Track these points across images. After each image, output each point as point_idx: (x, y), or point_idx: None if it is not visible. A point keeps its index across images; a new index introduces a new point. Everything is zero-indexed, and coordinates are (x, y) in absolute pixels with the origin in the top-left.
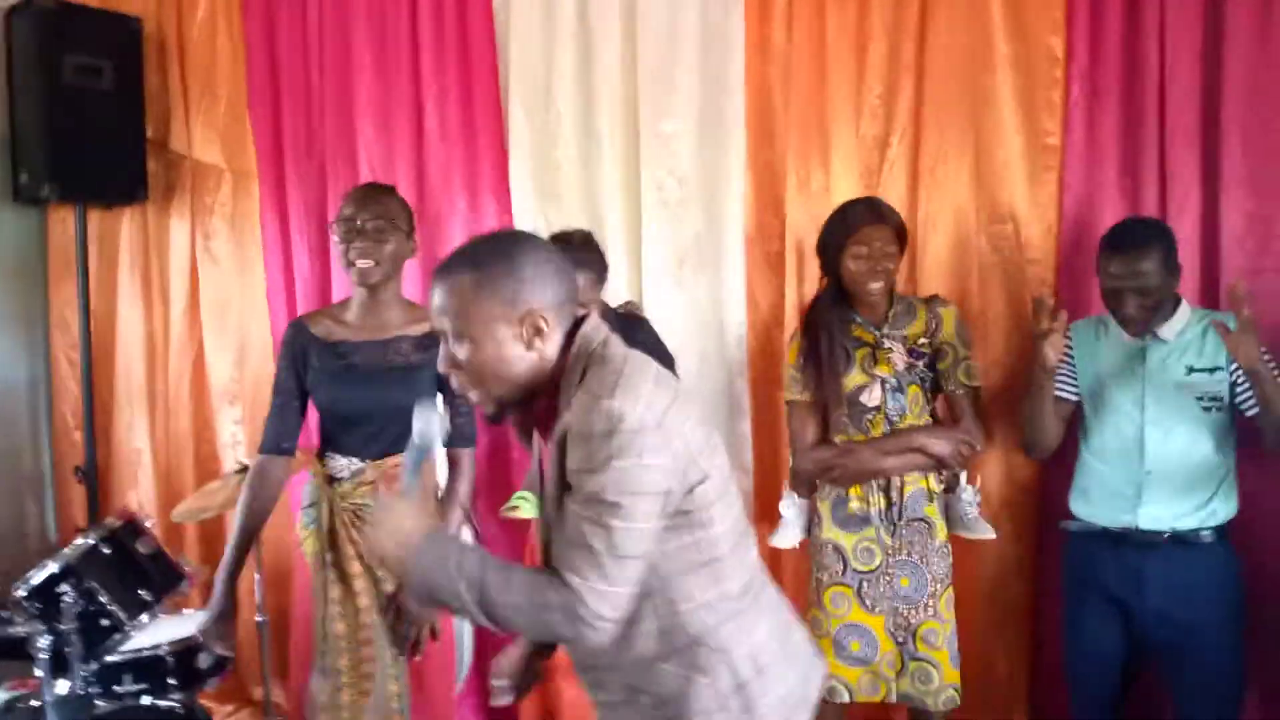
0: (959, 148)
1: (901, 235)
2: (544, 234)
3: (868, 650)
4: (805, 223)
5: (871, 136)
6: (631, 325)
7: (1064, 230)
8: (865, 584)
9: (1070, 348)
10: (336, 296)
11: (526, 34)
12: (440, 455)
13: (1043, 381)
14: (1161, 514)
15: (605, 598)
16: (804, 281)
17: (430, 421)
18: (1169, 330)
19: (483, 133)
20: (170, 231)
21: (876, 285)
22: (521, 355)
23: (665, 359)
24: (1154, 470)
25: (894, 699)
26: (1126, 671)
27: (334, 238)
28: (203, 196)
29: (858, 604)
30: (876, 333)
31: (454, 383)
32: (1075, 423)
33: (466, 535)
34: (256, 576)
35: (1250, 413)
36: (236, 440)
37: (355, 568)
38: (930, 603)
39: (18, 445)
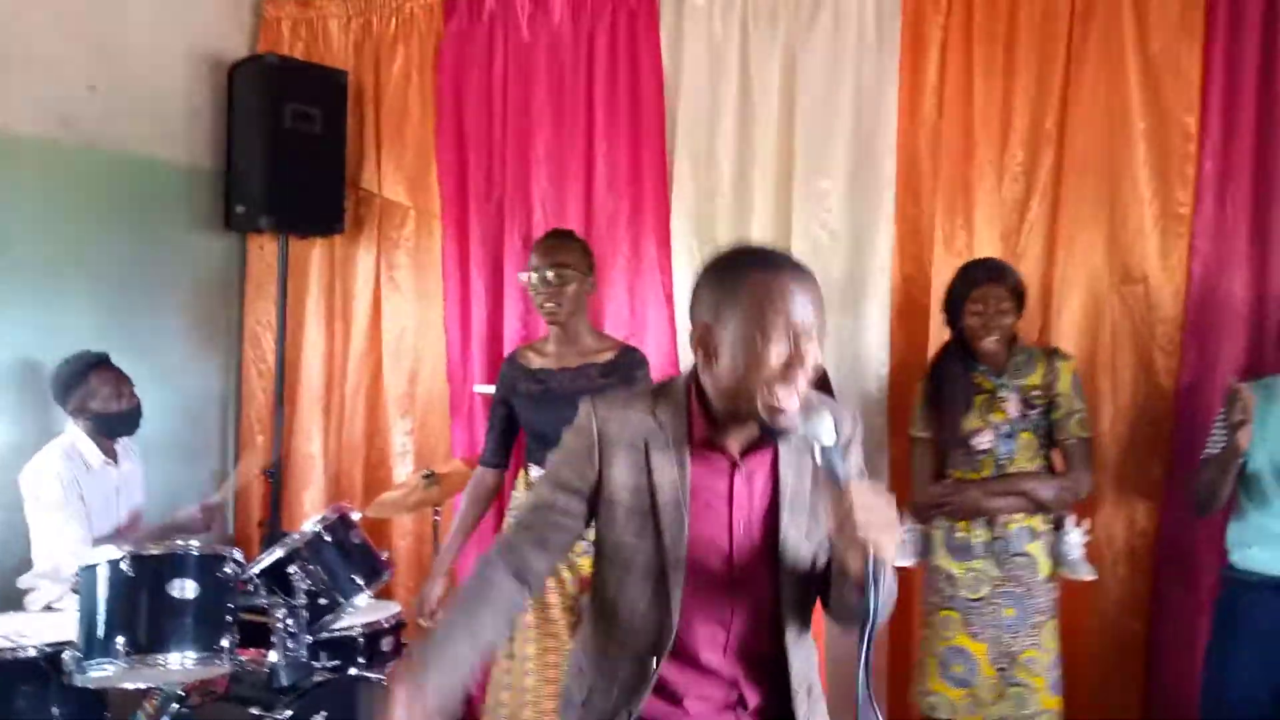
0: (1095, 212)
1: (1019, 293)
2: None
3: (969, 675)
4: (949, 276)
5: (1012, 199)
6: None
7: (1191, 293)
8: (972, 612)
9: None
10: (508, 325)
11: (693, 94)
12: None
13: (1232, 461)
14: None
15: None
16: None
17: (814, 421)
18: None
19: (648, 182)
20: (357, 261)
21: (990, 339)
22: None
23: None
24: None
25: None
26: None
27: (525, 285)
28: (389, 231)
29: (964, 631)
30: (995, 381)
31: (803, 383)
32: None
33: None
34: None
35: None
36: (406, 449)
37: None
38: (1033, 633)
39: (208, 444)
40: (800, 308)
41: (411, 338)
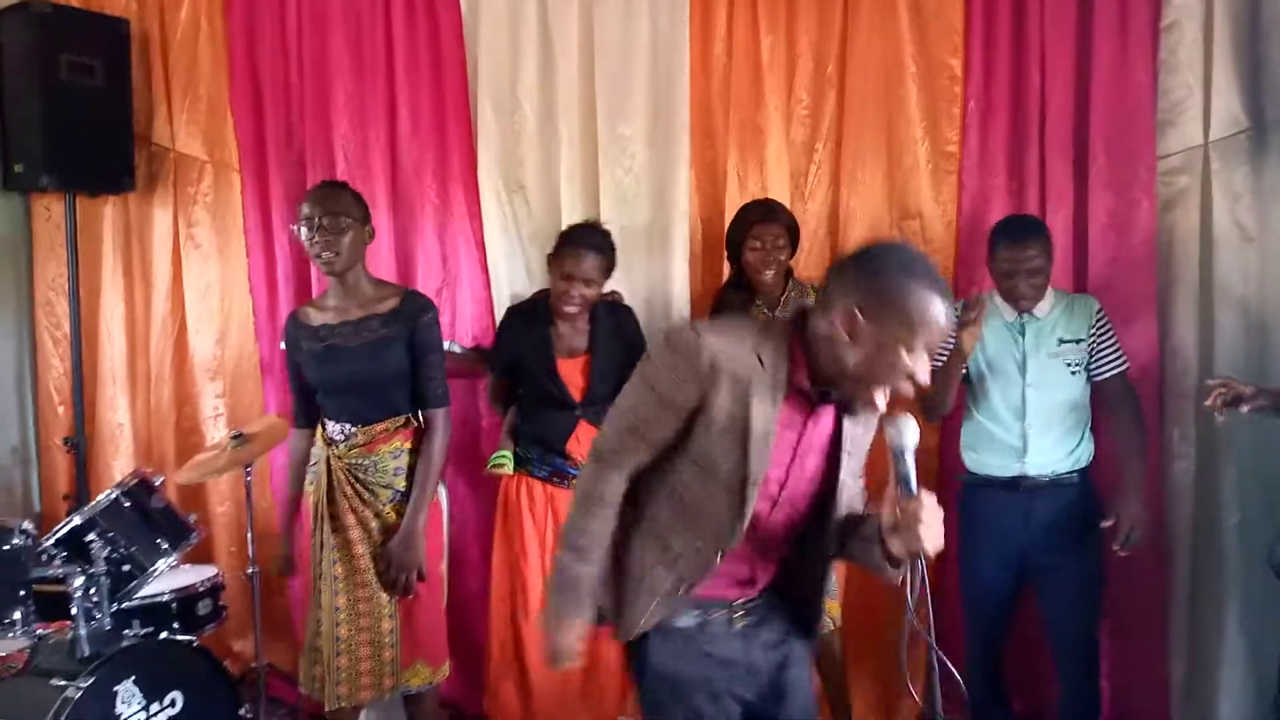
0: (874, 153)
1: (792, 231)
2: (511, 223)
3: None
4: None
5: (800, 142)
6: (621, 313)
7: (961, 224)
8: None
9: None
10: (315, 278)
11: (493, 40)
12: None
13: (956, 363)
14: (1043, 461)
15: None
16: None
17: (904, 430)
18: (1042, 309)
19: (453, 129)
20: (153, 219)
21: (769, 273)
22: None
23: (643, 344)
24: (1034, 425)
25: None
26: (1014, 598)
27: (299, 235)
28: (185, 187)
29: None
30: (769, 315)
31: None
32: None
33: (441, 492)
34: (249, 534)
35: (1098, 378)
36: (218, 412)
37: (350, 519)
38: None
39: (5, 417)
40: (940, 334)
41: (216, 297)
